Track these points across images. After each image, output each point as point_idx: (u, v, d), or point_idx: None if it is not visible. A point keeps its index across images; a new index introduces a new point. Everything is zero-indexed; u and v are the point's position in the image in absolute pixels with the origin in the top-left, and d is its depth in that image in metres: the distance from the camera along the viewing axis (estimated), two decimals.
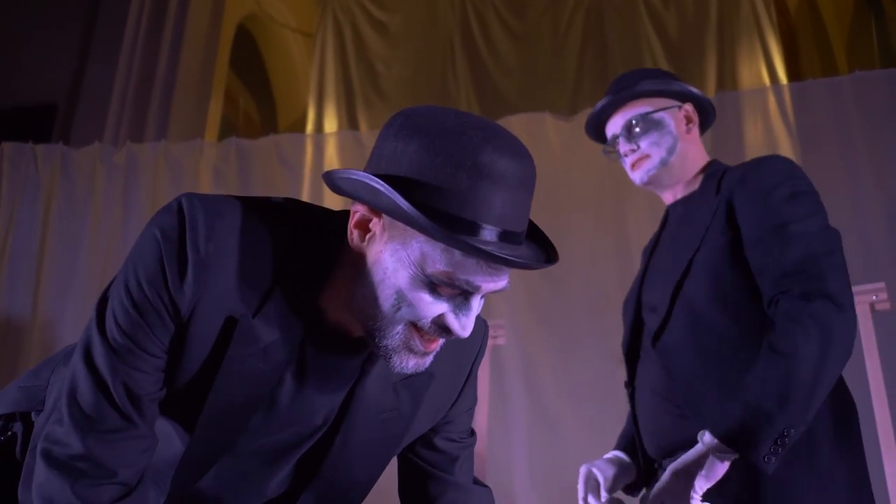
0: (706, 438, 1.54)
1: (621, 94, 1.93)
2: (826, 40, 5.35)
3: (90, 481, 0.98)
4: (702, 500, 1.55)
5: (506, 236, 0.94)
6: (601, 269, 3.53)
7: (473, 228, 0.92)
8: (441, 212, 0.92)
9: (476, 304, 0.99)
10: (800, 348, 1.53)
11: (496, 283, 0.97)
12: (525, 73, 5.06)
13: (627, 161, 1.96)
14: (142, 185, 4.10)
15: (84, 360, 1.01)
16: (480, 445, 2.43)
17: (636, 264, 3.52)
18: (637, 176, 1.95)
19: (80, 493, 0.97)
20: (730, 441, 1.51)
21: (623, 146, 1.95)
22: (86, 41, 4.98)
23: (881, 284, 2.35)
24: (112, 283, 1.05)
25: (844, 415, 1.70)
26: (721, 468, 1.53)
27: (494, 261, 0.92)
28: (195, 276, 0.97)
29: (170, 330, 1.00)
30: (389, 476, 1.27)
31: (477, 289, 0.96)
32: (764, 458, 1.50)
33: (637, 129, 1.91)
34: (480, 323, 1.10)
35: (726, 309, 1.72)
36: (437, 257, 0.94)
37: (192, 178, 4.11)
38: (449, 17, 5.30)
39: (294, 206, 1.08)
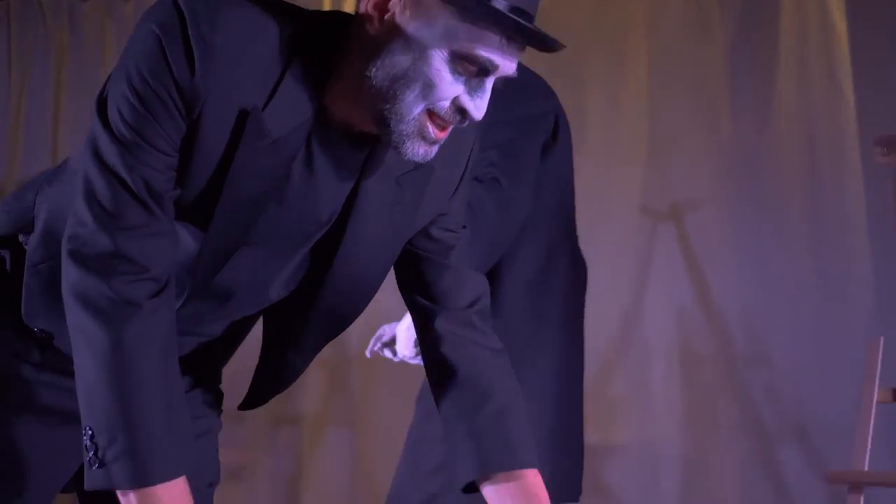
0: None
1: None
2: None
3: (126, 278, 0.97)
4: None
5: (520, 13, 0.97)
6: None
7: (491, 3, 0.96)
8: None
9: (489, 86, 1.02)
10: None
11: (510, 64, 1.01)
12: None
13: None
14: None
15: (95, 160, 0.98)
16: None
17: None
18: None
19: (117, 289, 0.96)
20: None
21: None
22: None
23: None
24: (108, 82, 1.01)
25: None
26: None
27: (517, 30, 0.96)
28: (203, 68, 0.95)
29: (179, 126, 0.97)
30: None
31: (495, 67, 1.00)
32: None
33: None
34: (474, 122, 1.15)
35: None
36: (461, 33, 0.97)
37: None
38: None
39: (293, 6, 1.07)
